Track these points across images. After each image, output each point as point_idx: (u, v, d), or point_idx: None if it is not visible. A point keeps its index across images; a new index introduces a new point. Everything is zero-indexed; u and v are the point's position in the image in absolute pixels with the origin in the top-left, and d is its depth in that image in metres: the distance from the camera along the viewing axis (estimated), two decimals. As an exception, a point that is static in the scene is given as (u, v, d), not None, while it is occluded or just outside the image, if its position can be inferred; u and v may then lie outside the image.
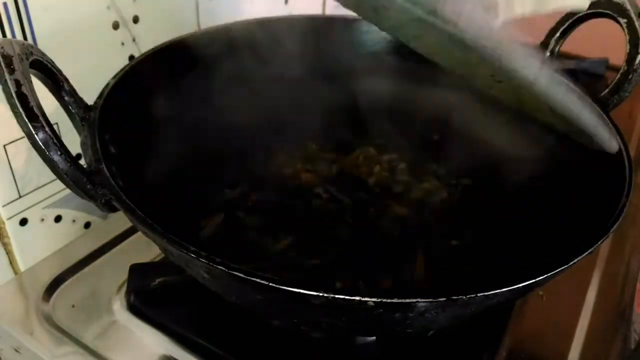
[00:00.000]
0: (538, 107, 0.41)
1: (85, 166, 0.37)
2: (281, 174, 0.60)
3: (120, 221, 0.57)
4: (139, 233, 0.42)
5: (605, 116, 0.47)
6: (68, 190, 0.39)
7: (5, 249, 0.51)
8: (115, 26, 0.53)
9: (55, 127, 0.42)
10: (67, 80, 0.40)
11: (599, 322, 0.51)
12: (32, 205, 0.52)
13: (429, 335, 0.47)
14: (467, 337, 0.47)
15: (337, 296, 0.29)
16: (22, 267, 0.53)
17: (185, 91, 0.55)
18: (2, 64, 0.33)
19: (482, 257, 0.52)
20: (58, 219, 0.55)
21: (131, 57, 0.56)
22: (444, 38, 0.34)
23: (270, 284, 0.30)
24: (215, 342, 0.46)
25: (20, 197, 0.50)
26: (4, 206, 0.49)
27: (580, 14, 0.52)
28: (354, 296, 0.29)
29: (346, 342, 0.47)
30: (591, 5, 0.51)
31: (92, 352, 0.46)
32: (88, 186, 0.36)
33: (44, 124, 0.34)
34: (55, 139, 0.34)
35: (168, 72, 0.53)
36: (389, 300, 0.30)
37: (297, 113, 0.63)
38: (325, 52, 0.63)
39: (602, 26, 0.52)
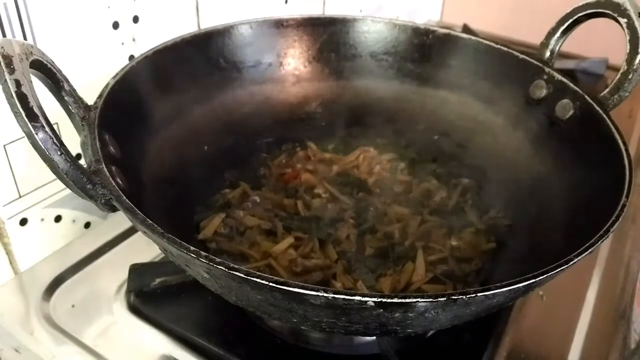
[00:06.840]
0: None
1: (85, 166, 0.37)
2: (281, 174, 0.60)
3: (120, 221, 0.57)
4: (139, 233, 0.42)
5: (605, 116, 0.47)
6: (68, 190, 0.39)
7: (5, 249, 0.51)
8: (115, 26, 0.53)
9: (55, 127, 0.42)
10: (67, 80, 0.40)
11: (599, 322, 0.51)
12: (32, 205, 0.52)
13: (429, 335, 0.47)
14: (467, 337, 0.47)
15: (337, 296, 0.29)
16: (22, 267, 0.53)
17: (185, 91, 0.55)
18: (2, 64, 0.33)
19: (482, 256, 0.52)
20: (58, 219, 0.55)
21: (131, 57, 0.56)
22: None
23: (270, 284, 0.30)
24: (215, 342, 0.46)
25: (20, 197, 0.50)
26: (4, 206, 0.49)
27: (580, 14, 0.52)
28: (354, 296, 0.29)
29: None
30: (591, 5, 0.51)
31: (92, 352, 0.46)
32: (88, 186, 0.36)
33: (44, 124, 0.34)
34: (55, 139, 0.34)
35: (168, 72, 0.53)
36: (389, 300, 0.30)
37: (297, 112, 0.64)
38: (325, 52, 0.63)
39: (602, 26, 0.52)
